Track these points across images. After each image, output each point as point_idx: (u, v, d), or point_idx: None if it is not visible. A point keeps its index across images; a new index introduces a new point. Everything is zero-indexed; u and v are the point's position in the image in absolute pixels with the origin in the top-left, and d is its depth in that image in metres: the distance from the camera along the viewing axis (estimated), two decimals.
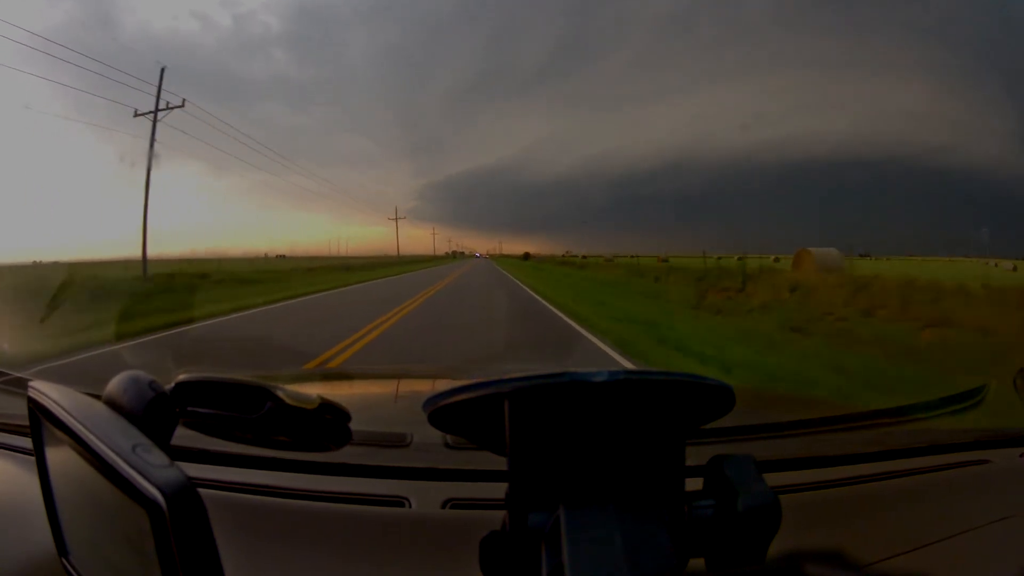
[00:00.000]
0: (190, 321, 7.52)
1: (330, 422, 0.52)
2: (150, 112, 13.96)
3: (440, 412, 0.37)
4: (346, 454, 0.60)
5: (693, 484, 0.36)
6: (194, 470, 0.65)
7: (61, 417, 0.35)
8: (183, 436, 0.46)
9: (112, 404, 0.38)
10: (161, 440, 0.37)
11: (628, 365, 4.57)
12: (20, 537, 0.54)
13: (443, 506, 0.63)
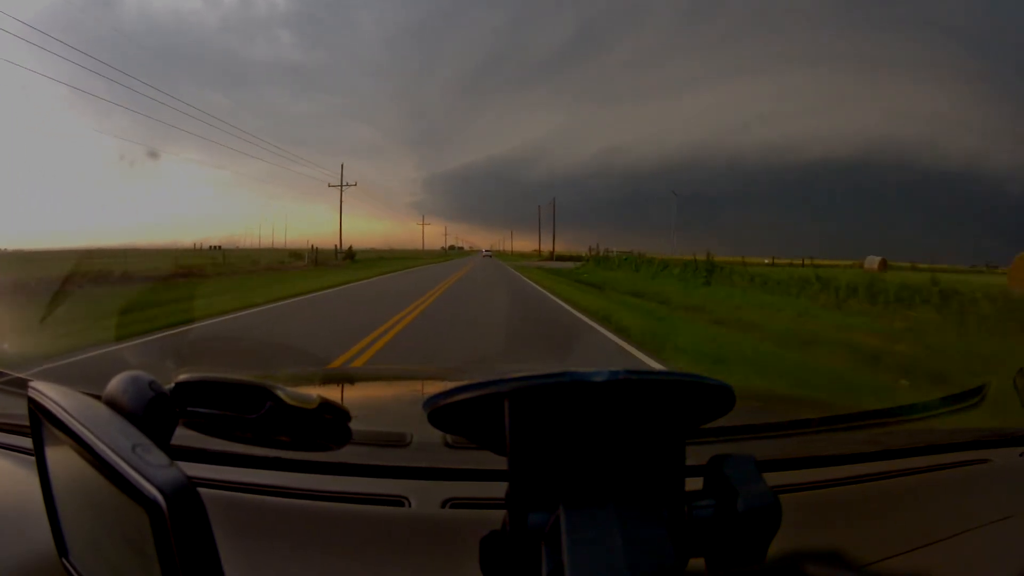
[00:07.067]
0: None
1: (330, 422, 0.52)
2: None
3: (440, 412, 0.37)
4: (346, 454, 0.60)
5: (693, 484, 0.36)
6: (194, 470, 0.65)
7: (61, 417, 0.35)
8: (183, 436, 0.46)
9: (112, 404, 0.38)
10: (161, 440, 0.37)
11: None
12: (20, 537, 0.54)
13: (443, 506, 0.63)
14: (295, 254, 24.19)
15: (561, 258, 35.95)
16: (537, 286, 13.98)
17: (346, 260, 24.86)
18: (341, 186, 26.52)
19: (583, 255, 32.89)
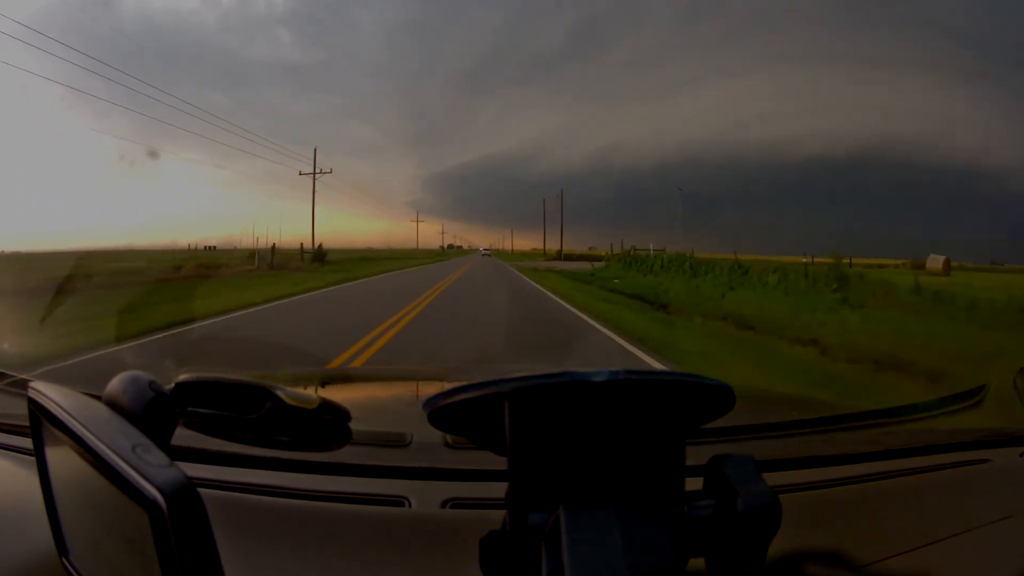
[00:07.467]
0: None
1: (330, 422, 0.52)
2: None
3: (440, 412, 0.37)
4: (346, 454, 0.60)
5: (693, 484, 0.36)
6: (194, 470, 0.65)
7: (61, 417, 0.35)
8: (183, 436, 0.46)
9: (112, 404, 0.38)
10: (161, 440, 0.37)
11: None
12: (20, 537, 0.54)
13: (443, 506, 0.63)
14: (253, 254, 19.14)
15: (570, 257, 29.87)
16: (572, 307, 8.53)
17: (315, 262, 20.07)
18: (314, 174, 21.97)
19: (602, 254, 26.23)
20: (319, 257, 20.66)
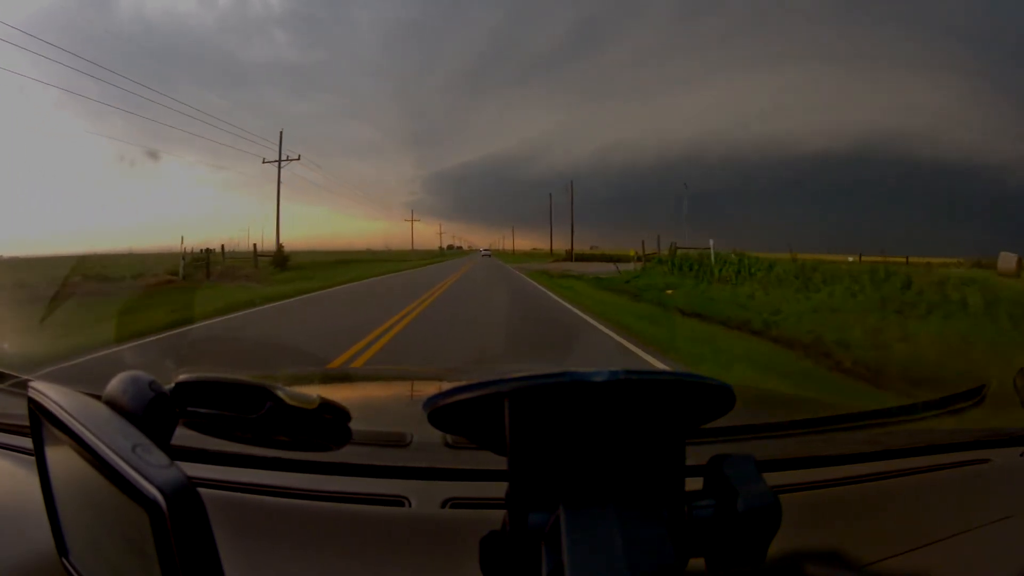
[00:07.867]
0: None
1: (330, 422, 0.52)
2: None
3: (440, 412, 0.37)
4: (346, 454, 0.60)
5: (693, 484, 0.36)
6: (194, 470, 0.65)
7: (61, 417, 0.35)
8: (183, 436, 0.46)
9: (112, 404, 0.38)
10: (161, 440, 0.37)
11: None
12: (20, 537, 0.54)
13: (443, 506, 0.63)
14: (198, 259, 14.26)
15: (581, 257, 24.91)
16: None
17: (273, 267, 15.89)
18: (279, 161, 18.04)
19: (630, 253, 19.57)
20: (280, 262, 16.55)
